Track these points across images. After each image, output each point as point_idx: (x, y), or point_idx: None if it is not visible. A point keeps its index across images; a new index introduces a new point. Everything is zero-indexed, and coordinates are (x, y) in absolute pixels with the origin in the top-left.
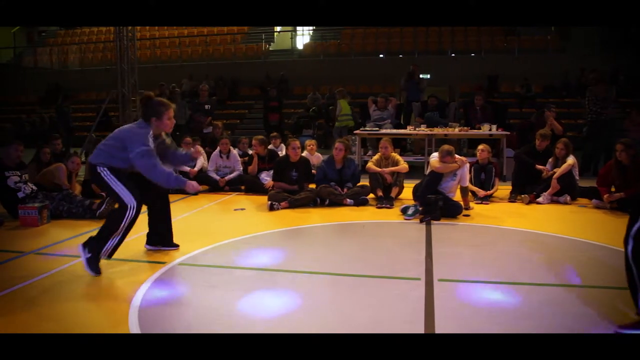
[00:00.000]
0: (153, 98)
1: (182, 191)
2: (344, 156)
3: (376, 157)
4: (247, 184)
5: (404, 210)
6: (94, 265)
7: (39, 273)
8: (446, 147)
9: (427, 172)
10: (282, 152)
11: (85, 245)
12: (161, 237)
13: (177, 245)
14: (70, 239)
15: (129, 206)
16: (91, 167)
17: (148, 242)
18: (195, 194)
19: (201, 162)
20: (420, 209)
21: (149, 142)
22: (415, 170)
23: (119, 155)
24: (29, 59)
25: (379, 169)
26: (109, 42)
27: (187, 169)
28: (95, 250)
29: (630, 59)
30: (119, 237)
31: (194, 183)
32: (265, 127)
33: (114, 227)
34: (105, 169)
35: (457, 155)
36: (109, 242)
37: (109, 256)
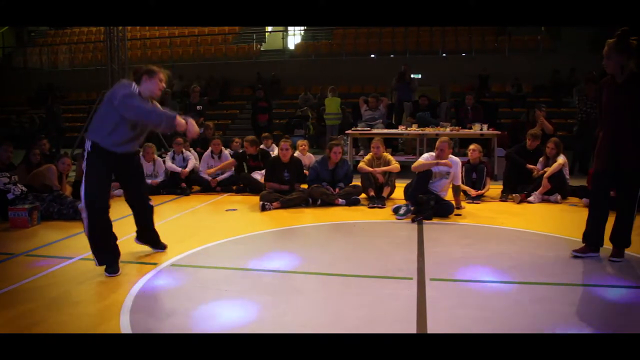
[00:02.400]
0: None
1: (175, 191)
2: (341, 158)
3: (368, 157)
4: (243, 181)
5: (396, 210)
6: (110, 269)
7: (30, 275)
8: (445, 137)
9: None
10: (273, 153)
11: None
12: (148, 239)
13: (164, 247)
14: (60, 240)
15: (81, 208)
16: (82, 142)
17: (138, 237)
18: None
19: (193, 162)
20: (412, 208)
21: (132, 89)
22: (406, 170)
23: (106, 122)
24: (19, 59)
25: (370, 169)
26: (99, 42)
27: (178, 169)
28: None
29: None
30: (90, 241)
31: (191, 121)
32: (253, 127)
33: (87, 234)
34: (89, 146)
35: (451, 156)
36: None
37: (106, 261)
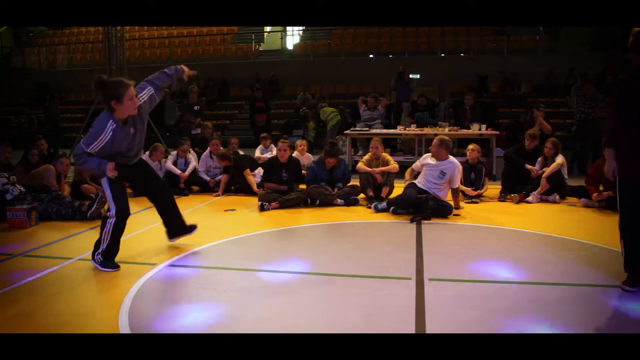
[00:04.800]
0: (108, 80)
1: (174, 191)
2: (337, 161)
3: (366, 157)
4: (239, 184)
5: (375, 207)
6: (109, 265)
7: (29, 275)
8: (440, 136)
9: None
10: (272, 153)
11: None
12: (176, 227)
13: (194, 227)
14: (59, 240)
15: (111, 215)
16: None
17: (169, 236)
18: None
19: (193, 164)
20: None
21: (97, 139)
22: (405, 170)
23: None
24: (17, 59)
25: (369, 169)
26: (98, 43)
27: (178, 171)
28: (99, 255)
29: (619, 59)
30: (108, 242)
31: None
32: (252, 127)
33: (101, 233)
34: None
35: (451, 158)
36: (100, 247)
37: (107, 259)
